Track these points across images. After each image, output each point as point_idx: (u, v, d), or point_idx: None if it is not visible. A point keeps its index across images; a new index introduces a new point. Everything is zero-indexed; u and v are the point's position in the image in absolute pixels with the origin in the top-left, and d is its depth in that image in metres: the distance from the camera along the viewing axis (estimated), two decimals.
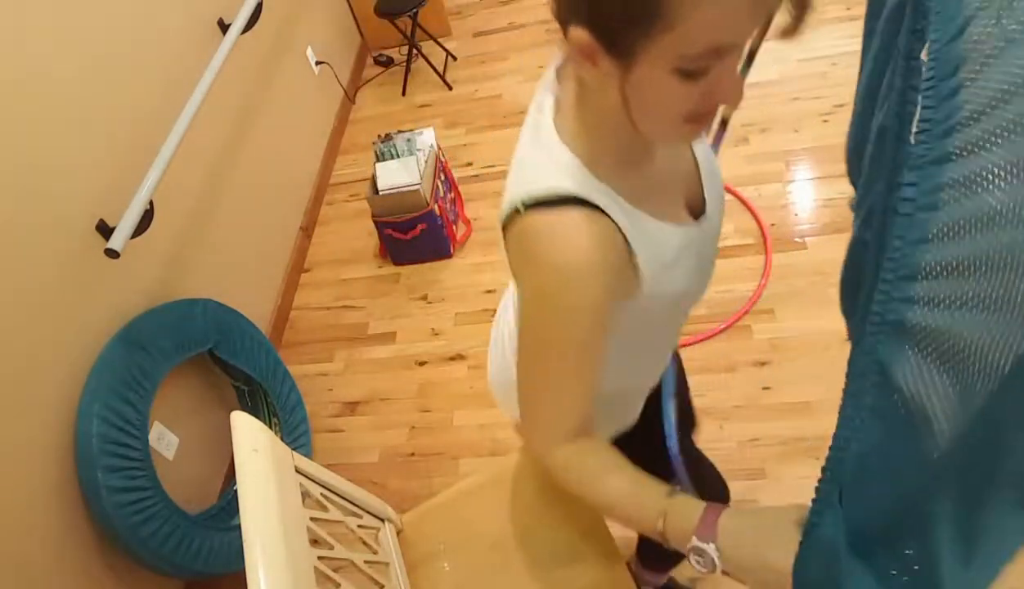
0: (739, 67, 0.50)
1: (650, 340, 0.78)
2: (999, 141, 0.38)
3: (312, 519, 0.90)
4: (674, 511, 0.59)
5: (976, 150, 0.39)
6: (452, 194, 2.44)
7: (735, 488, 1.15)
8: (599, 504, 0.66)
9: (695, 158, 0.72)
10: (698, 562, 0.57)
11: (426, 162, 2.24)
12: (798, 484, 1.59)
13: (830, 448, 0.48)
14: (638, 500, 0.63)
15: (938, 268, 0.41)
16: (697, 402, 1.21)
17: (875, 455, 0.46)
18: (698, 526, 0.56)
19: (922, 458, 0.43)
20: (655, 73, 0.47)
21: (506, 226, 0.61)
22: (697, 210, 0.71)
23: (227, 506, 1.75)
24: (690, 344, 1.89)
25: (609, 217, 0.57)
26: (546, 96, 0.63)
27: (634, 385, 0.86)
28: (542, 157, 0.60)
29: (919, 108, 0.42)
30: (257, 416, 1.90)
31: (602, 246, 0.57)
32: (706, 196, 0.71)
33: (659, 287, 0.63)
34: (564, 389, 0.64)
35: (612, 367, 0.67)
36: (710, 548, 0.55)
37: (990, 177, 0.38)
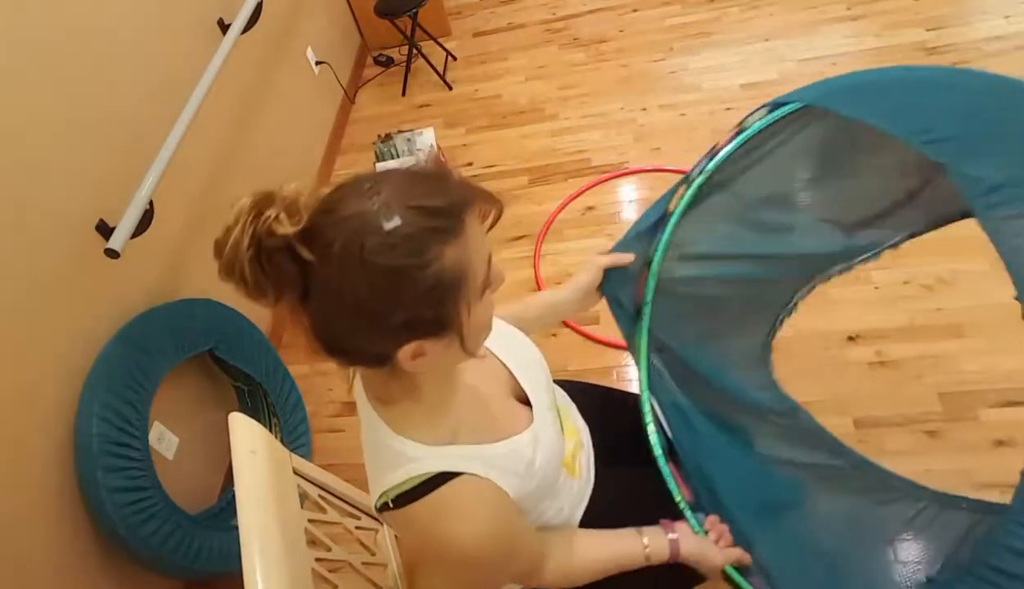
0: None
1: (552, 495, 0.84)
2: None
3: (310, 520, 0.90)
4: (652, 549, 0.85)
5: None
6: None
7: None
8: (601, 573, 0.85)
9: (500, 360, 0.85)
10: None
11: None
12: None
13: None
14: (622, 553, 0.85)
15: None
16: None
17: None
18: (670, 553, 0.85)
19: None
20: (477, 307, 0.62)
21: (383, 512, 0.71)
22: (524, 398, 0.83)
23: (227, 506, 1.75)
24: None
25: (467, 473, 0.68)
26: (368, 409, 0.72)
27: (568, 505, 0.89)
28: (389, 454, 0.69)
29: None
30: (257, 416, 1.91)
31: (481, 502, 0.68)
32: (521, 384, 0.83)
33: (526, 489, 0.74)
34: (518, 558, 0.75)
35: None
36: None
37: None
